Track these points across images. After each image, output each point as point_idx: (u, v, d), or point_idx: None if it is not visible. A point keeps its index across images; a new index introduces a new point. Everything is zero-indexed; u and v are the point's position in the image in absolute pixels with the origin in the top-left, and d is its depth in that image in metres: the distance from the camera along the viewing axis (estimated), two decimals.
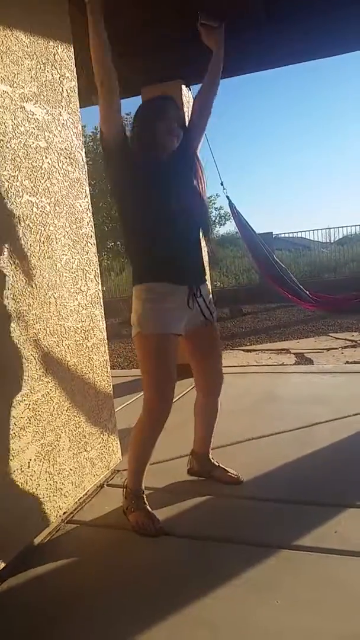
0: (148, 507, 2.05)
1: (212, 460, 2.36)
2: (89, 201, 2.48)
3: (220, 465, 2.35)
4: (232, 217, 4.37)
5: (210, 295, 2.18)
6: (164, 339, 1.95)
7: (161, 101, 2.05)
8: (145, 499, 2.07)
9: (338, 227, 14.84)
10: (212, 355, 2.21)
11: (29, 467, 1.98)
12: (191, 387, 3.66)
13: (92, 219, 2.50)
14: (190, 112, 2.22)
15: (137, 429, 2.04)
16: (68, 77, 2.35)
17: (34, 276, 2.06)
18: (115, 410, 2.67)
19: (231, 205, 4.28)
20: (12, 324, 1.93)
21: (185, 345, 2.16)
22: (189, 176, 2.07)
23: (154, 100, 2.10)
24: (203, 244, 2.14)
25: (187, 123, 2.13)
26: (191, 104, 4.27)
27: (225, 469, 2.34)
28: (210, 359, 2.20)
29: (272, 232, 12.71)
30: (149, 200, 1.93)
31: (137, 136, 1.99)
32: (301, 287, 4.27)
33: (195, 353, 2.18)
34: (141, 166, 1.93)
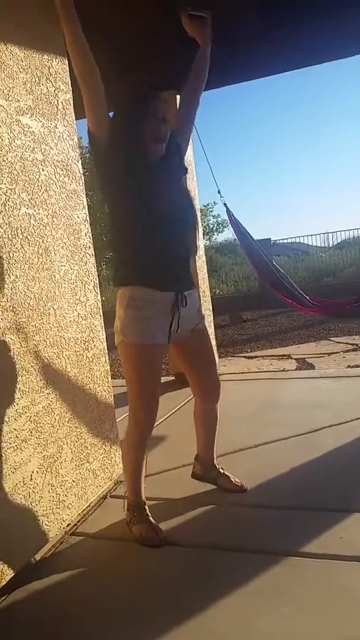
0: (151, 518, 2.04)
1: (217, 467, 2.35)
2: (87, 212, 2.49)
3: (225, 472, 2.34)
4: (229, 225, 4.39)
5: (200, 302, 2.14)
6: (147, 348, 1.92)
7: (143, 100, 1.94)
8: (147, 510, 2.06)
9: (336, 232, 14.85)
10: (204, 360, 2.18)
11: (31, 479, 1.98)
12: (190, 396, 3.66)
13: (90, 230, 2.50)
14: (177, 115, 2.16)
15: (126, 440, 2.05)
16: (63, 89, 2.37)
17: (33, 288, 2.07)
18: (117, 420, 2.66)
19: (229, 212, 4.30)
20: (11, 336, 1.93)
21: (175, 351, 2.14)
22: (180, 178, 2.05)
23: (135, 99, 1.96)
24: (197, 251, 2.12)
25: (175, 125, 2.07)
26: None
27: (229, 477, 2.32)
28: (202, 364, 2.18)
29: (270, 238, 12.74)
30: (138, 202, 1.87)
31: (122, 144, 1.88)
32: (301, 292, 4.27)
33: (187, 359, 2.16)
34: (130, 169, 1.87)
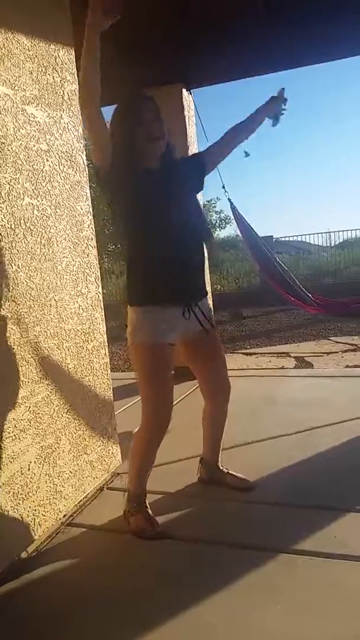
0: (149, 510, 2.04)
1: (222, 468, 2.35)
2: (90, 204, 2.48)
3: (230, 471, 2.34)
4: (233, 220, 4.38)
5: (211, 306, 2.14)
6: (158, 349, 1.92)
7: (135, 104, 1.91)
8: (146, 502, 2.06)
9: (338, 231, 14.83)
10: (214, 360, 2.17)
11: (29, 469, 1.98)
12: (193, 388, 3.65)
13: (92, 222, 2.50)
14: (209, 149, 2.14)
15: (138, 438, 2.03)
16: (69, 80, 2.36)
17: (35, 279, 2.06)
18: (115, 413, 2.66)
19: (233, 207, 4.28)
20: (12, 327, 1.93)
21: (186, 353, 2.13)
22: (186, 184, 1.99)
23: (128, 103, 1.93)
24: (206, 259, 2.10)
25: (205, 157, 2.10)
26: (191, 107, 4.31)
27: (235, 475, 2.32)
28: (213, 364, 2.17)
29: (272, 236, 12.71)
30: (142, 215, 1.87)
31: (116, 151, 1.84)
32: (304, 290, 4.26)
33: (197, 360, 2.15)
34: (129, 180, 1.85)
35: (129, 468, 2.09)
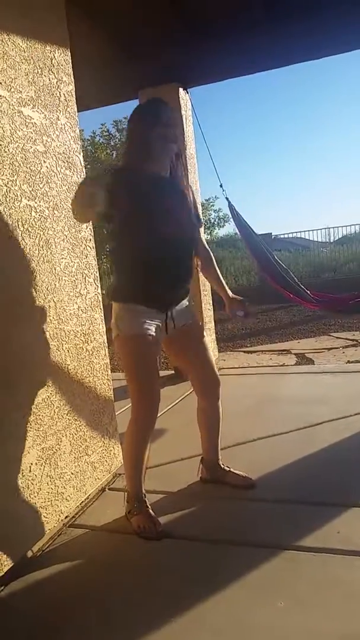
0: (150, 510, 2.04)
1: (222, 466, 2.35)
2: None
3: (232, 470, 2.34)
4: (231, 219, 4.39)
5: (191, 301, 2.19)
6: (140, 339, 1.95)
7: (154, 105, 2.00)
8: (147, 502, 2.07)
9: (337, 227, 14.85)
10: (198, 356, 2.18)
11: (30, 471, 1.98)
12: (189, 390, 3.66)
13: (91, 223, 2.50)
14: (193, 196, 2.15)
15: (128, 434, 2.04)
16: (65, 81, 2.36)
17: (33, 280, 2.06)
18: (116, 413, 2.67)
19: (231, 206, 4.29)
20: (12, 328, 1.93)
21: (171, 348, 2.17)
22: (182, 201, 2.04)
23: (146, 108, 2.03)
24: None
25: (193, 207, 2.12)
26: (188, 106, 4.31)
27: (236, 473, 2.33)
28: (198, 356, 2.18)
29: (271, 233, 12.73)
30: (139, 221, 1.91)
31: (131, 150, 1.98)
32: (302, 286, 4.27)
33: (183, 356, 2.19)
34: (135, 187, 1.90)
35: (124, 467, 2.10)
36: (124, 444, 2.07)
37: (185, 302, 2.13)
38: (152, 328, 1.98)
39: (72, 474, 2.24)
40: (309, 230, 15.03)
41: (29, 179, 2.06)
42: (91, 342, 2.44)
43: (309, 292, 4.24)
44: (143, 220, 1.90)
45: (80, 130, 2.52)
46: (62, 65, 2.34)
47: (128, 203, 1.86)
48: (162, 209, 1.94)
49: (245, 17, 3.53)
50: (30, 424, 2.00)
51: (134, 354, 1.97)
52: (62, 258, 2.26)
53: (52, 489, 2.10)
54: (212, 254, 2.26)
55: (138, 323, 1.96)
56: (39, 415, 2.05)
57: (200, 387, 2.23)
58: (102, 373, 2.53)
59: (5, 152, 1.94)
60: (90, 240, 2.48)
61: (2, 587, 1.78)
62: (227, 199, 4.23)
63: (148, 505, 2.06)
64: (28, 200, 2.05)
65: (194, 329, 2.17)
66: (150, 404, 1.98)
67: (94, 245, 2.52)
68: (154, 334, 1.98)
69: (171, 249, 1.95)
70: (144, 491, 2.08)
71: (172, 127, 1.97)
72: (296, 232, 15.83)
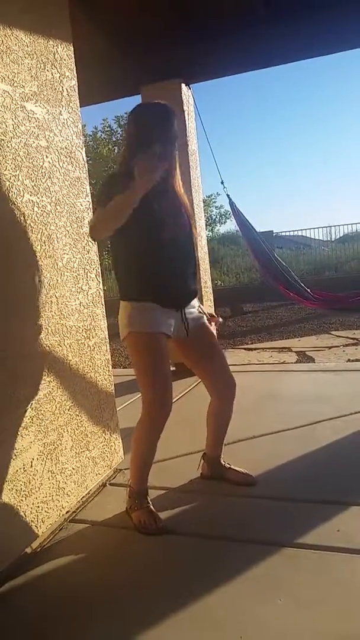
0: (151, 505, 2.05)
1: (224, 463, 2.35)
2: (90, 200, 2.48)
3: (232, 467, 2.34)
4: (232, 216, 4.38)
5: (200, 302, 2.18)
6: (153, 337, 1.95)
7: (157, 117, 1.95)
8: (148, 498, 2.07)
9: (339, 225, 14.85)
10: (212, 359, 2.17)
11: (31, 466, 1.99)
12: (192, 385, 3.66)
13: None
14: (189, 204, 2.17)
15: (139, 429, 2.03)
16: (68, 76, 2.35)
17: (35, 275, 2.06)
18: (117, 409, 2.67)
19: (231, 203, 4.29)
20: (14, 324, 1.93)
21: (182, 350, 2.15)
22: (177, 202, 2.04)
23: (149, 114, 1.99)
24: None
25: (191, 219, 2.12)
26: (190, 102, 4.30)
27: (237, 470, 2.33)
28: (212, 363, 2.17)
29: (272, 231, 12.72)
30: (148, 225, 1.92)
31: (125, 156, 1.96)
32: (303, 285, 4.27)
33: (194, 355, 2.16)
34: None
35: (130, 462, 2.10)
36: (134, 439, 2.05)
37: (195, 303, 2.13)
38: (165, 326, 1.98)
39: (73, 469, 2.24)
40: (310, 229, 15.04)
41: (31, 174, 2.06)
42: (93, 337, 2.44)
43: (309, 290, 4.24)
44: (144, 218, 1.88)
45: (82, 125, 2.52)
46: (64, 60, 2.33)
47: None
48: (161, 209, 1.93)
49: (247, 13, 3.52)
50: (32, 420, 2.00)
51: (148, 350, 1.96)
52: (64, 253, 2.26)
53: (53, 484, 2.11)
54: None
55: (151, 320, 1.95)
56: (41, 410, 2.05)
57: (217, 389, 2.19)
58: (104, 369, 2.53)
59: (8, 147, 1.94)
60: None
61: (3, 583, 1.79)
62: (228, 195, 4.23)
63: (149, 501, 2.06)
64: (30, 196, 2.05)
65: (206, 330, 2.15)
66: (163, 401, 1.97)
67: None
68: (166, 331, 1.98)
69: (175, 248, 1.97)
70: (146, 487, 2.08)
71: (163, 141, 1.86)
72: (297, 230, 15.85)
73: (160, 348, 1.96)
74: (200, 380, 2.28)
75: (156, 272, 1.97)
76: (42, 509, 2.03)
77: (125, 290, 2.02)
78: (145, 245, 1.94)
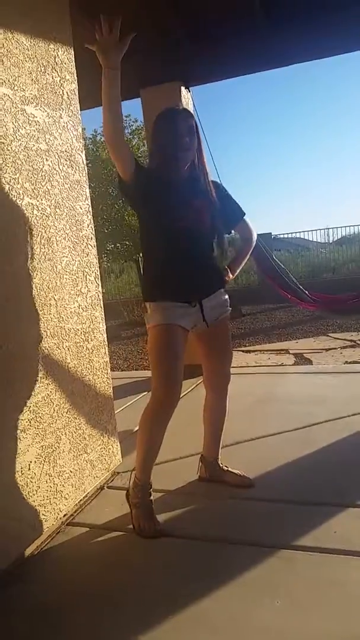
0: (152, 506, 2.05)
1: (221, 465, 2.36)
2: (89, 203, 2.48)
3: (230, 469, 2.35)
4: None
5: (226, 295, 2.21)
6: (168, 329, 2.00)
7: (175, 115, 2.04)
8: (151, 495, 2.07)
9: (337, 227, 14.89)
10: (221, 356, 2.23)
11: (29, 469, 1.99)
12: (192, 387, 3.67)
13: (92, 221, 2.50)
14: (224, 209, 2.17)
15: (144, 417, 2.04)
16: (68, 79, 2.36)
17: (34, 278, 2.07)
18: (115, 412, 2.67)
19: None
20: (12, 326, 1.94)
21: (199, 345, 2.21)
22: (206, 203, 2.08)
23: (168, 115, 2.06)
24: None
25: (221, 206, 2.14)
26: (190, 105, 4.31)
27: (235, 473, 2.34)
28: (219, 359, 2.23)
29: (271, 233, 12.73)
30: (161, 217, 2.00)
31: (155, 153, 2.06)
32: (301, 287, 4.28)
33: (205, 347, 2.21)
34: (154, 187, 1.98)
35: (136, 453, 2.08)
36: (140, 427, 2.06)
37: (220, 293, 2.16)
38: (181, 319, 2.02)
39: (71, 472, 2.24)
40: (308, 231, 15.06)
41: (31, 177, 2.07)
42: (91, 340, 2.44)
43: (307, 292, 4.25)
44: (155, 215, 2.01)
45: (82, 129, 2.52)
46: (65, 63, 2.34)
47: (146, 207, 2.01)
48: (173, 205, 2.00)
49: (247, 16, 3.53)
50: (30, 422, 2.00)
51: (162, 341, 2.01)
52: (63, 256, 2.26)
53: (50, 487, 2.11)
54: (250, 244, 2.30)
55: (165, 314, 2.01)
56: (39, 413, 2.05)
57: (213, 380, 2.26)
58: (102, 372, 2.53)
59: (8, 150, 1.95)
60: (91, 238, 2.48)
61: (0, 586, 1.79)
62: None
63: (152, 499, 2.07)
64: (30, 199, 2.06)
65: (224, 323, 2.21)
66: (173, 389, 1.99)
67: (95, 243, 2.53)
68: (182, 324, 2.02)
69: (184, 242, 2.01)
70: (151, 480, 2.08)
71: (188, 135, 1.99)
72: (296, 233, 15.87)
73: (174, 340, 2.00)
74: (197, 384, 2.30)
75: (168, 271, 2.04)
76: (39, 512, 2.04)
77: (144, 291, 2.15)
78: (154, 240, 2.05)
